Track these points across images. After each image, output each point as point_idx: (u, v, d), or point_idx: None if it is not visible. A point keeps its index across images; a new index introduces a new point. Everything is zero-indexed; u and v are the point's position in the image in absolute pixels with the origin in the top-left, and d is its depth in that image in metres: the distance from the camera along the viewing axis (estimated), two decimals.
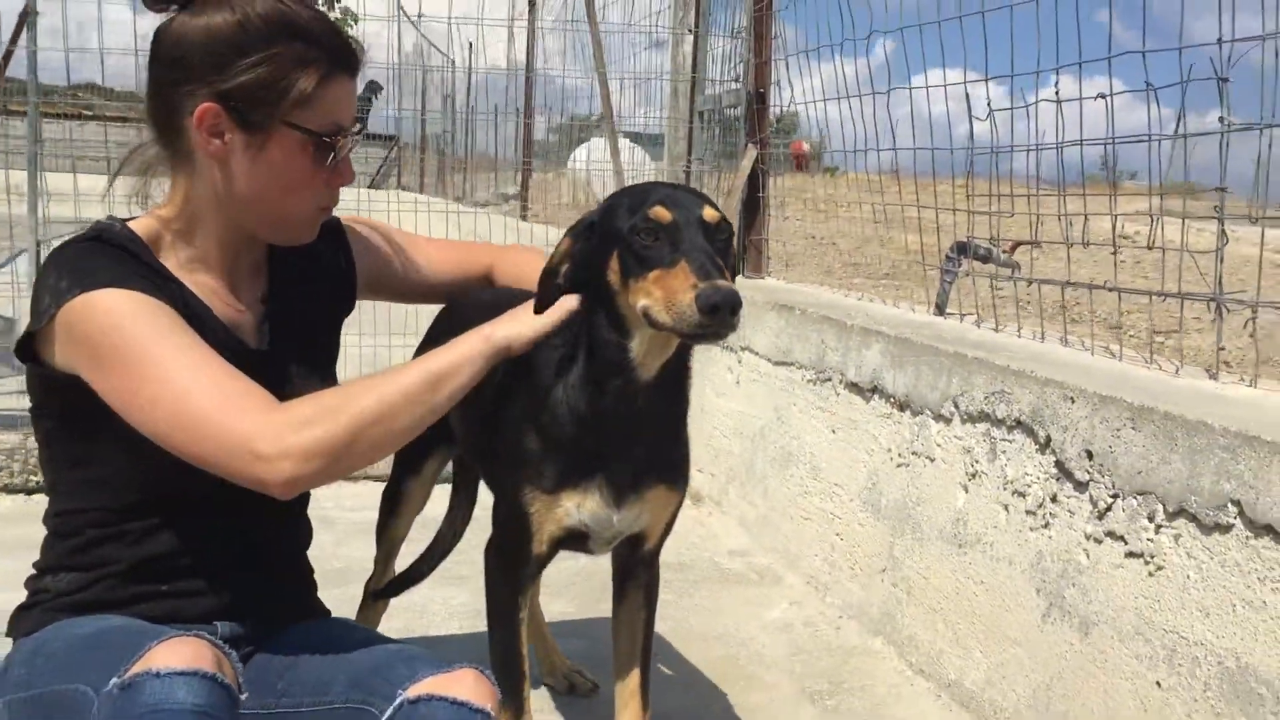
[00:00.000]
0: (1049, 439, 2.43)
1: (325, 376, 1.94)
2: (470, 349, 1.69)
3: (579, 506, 1.87)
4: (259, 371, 1.75)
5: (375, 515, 3.87)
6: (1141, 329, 3.70)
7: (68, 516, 1.78)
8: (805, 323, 3.58)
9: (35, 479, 4.12)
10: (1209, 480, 1.99)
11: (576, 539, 1.94)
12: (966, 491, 2.74)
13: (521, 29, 9.08)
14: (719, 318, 1.54)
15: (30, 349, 1.69)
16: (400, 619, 2.99)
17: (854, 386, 3.28)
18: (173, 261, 1.75)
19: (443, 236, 5.29)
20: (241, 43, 1.68)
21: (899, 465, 3.03)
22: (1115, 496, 2.23)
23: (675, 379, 1.87)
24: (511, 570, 1.97)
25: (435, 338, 2.39)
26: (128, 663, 1.49)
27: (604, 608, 3.29)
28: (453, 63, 10.95)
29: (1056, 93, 2.85)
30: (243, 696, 1.54)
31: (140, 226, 1.76)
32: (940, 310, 3.55)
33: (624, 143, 8.88)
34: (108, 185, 1.89)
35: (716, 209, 1.71)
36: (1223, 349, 2.83)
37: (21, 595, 1.80)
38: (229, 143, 1.69)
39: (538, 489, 1.89)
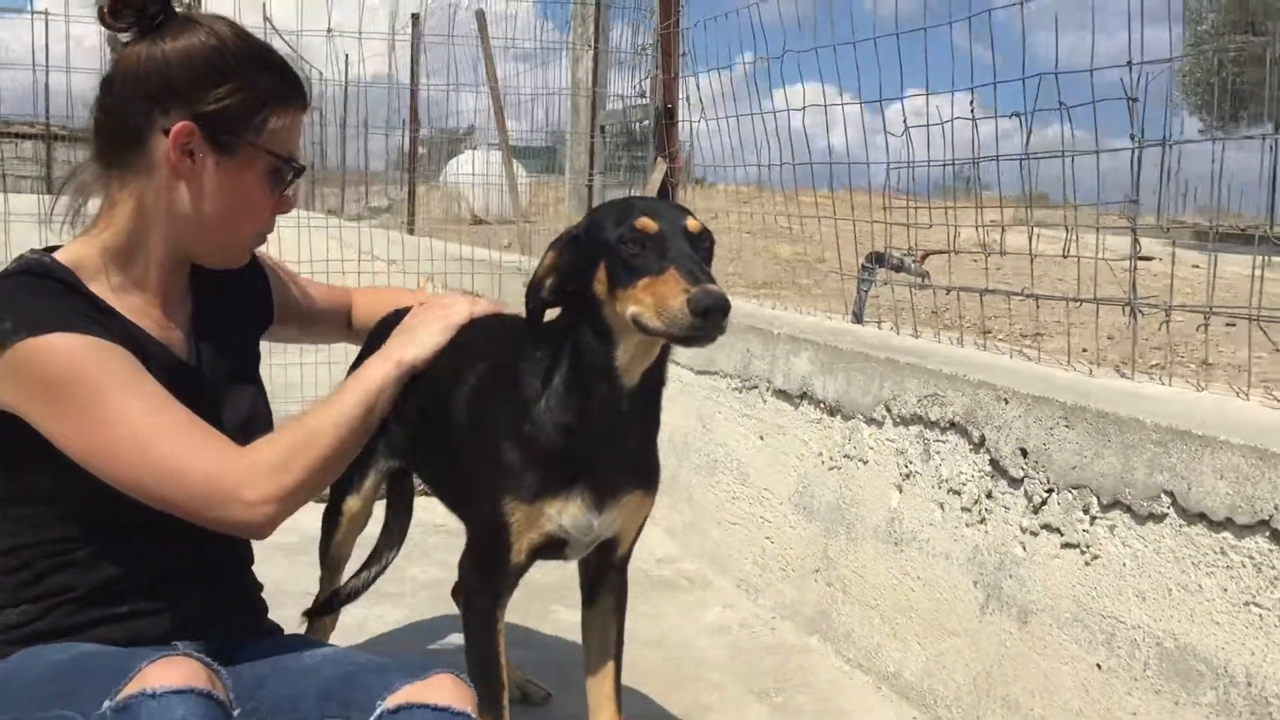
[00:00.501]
0: (983, 438, 2.57)
1: (252, 382, 1.99)
2: (386, 373, 1.88)
3: (560, 513, 1.91)
4: (194, 384, 1.80)
5: (290, 535, 3.83)
6: (1025, 333, 3.92)
7: (12, 554, 1.75)
8: (730, 332, 3.66)
9: None
10: (1142, 473, 2.13)
11: (554, 546, 1.98)
12: (901, 491, 2.86)
13: (402, 42, 9.04)
14: (710, 320, 1.61)
15: None
16: (338, 638, 2.96)
17: (782, 394, 3.39)
18: (103, 287, 1.75)
19: (325, 252, 5.29)
20: (221, 66, 1.73)
21: (831, 468, 3.14)
22: (1050, 491, 2.37)
23: (654, 385, 1.92)
24: (491, 580, 1.99)
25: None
26: (118, 685, 1.48)
27: (546, 615, 3.33)
28: (320, 75, 10.80)
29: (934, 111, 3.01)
30: (236, 713, 1.54)
31: (66, 256, 1.76)
32: (858, 318, 3.69)
33: (496, 155, 8.87)
34: (50, 205, 1.87)
35: (698, 219, 1.77)
36: (1129, 348, 3.01)
37: None
38: (198, 162, 1.73)
39: (518, 500, 1.92)
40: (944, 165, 3.13)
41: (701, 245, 1.75)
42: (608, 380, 1.83)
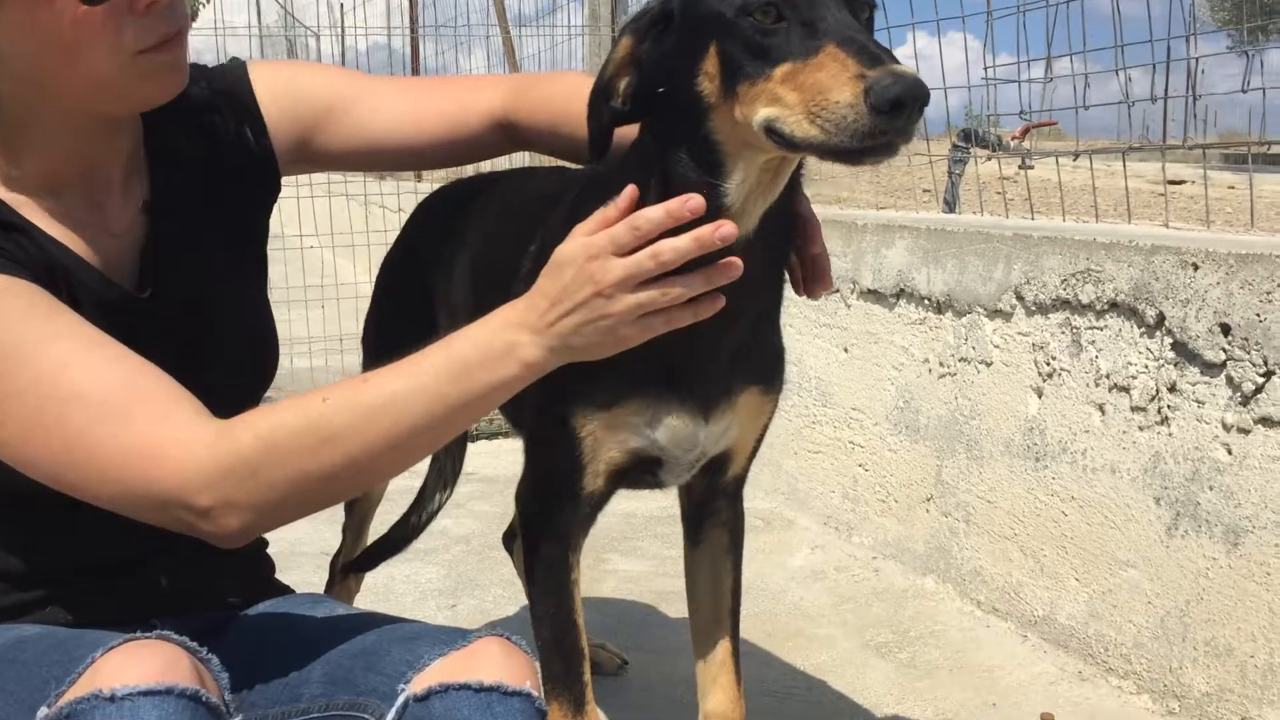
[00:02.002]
0: (1161, 318, 2.03)
1: (244, 297, 1.41)
2: (507, 377, 1.14)
3: (650, 423, 1.38)
4: (144, 321, 1.24)
5: None
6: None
7: None
8: None
9: None
10: None
11: (644, 467, 1.44)
12: (1040, 395, 2.33)
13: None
14: (900, 119, 1.04)
15: None
16: (360, 604, 2.46)
17: (872, 294, 2.85)
18: (5, 192, 1.21)
19: (347, 224, 4.70)
20: None
21: (942, 376, 2.61)
22: (1269, 374, 1.83)
23: (779, 237, 1.37)
24: (557, 516, 1.47)
25: (421, 248, 1.86)
26: (62, 684, 1.00)
27: (603, 570, 2.82)
28: (316, 36, 10.20)
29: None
30: (238, 719, 1.04)
31: None
32: (950, 207, 3.14)
33: None
34: None
35: None
36: None
37: None
38: None
39: (590, 405, 1.38)
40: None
41: (861, 15, 1.19)
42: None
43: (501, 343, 1.14)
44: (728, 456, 1.51)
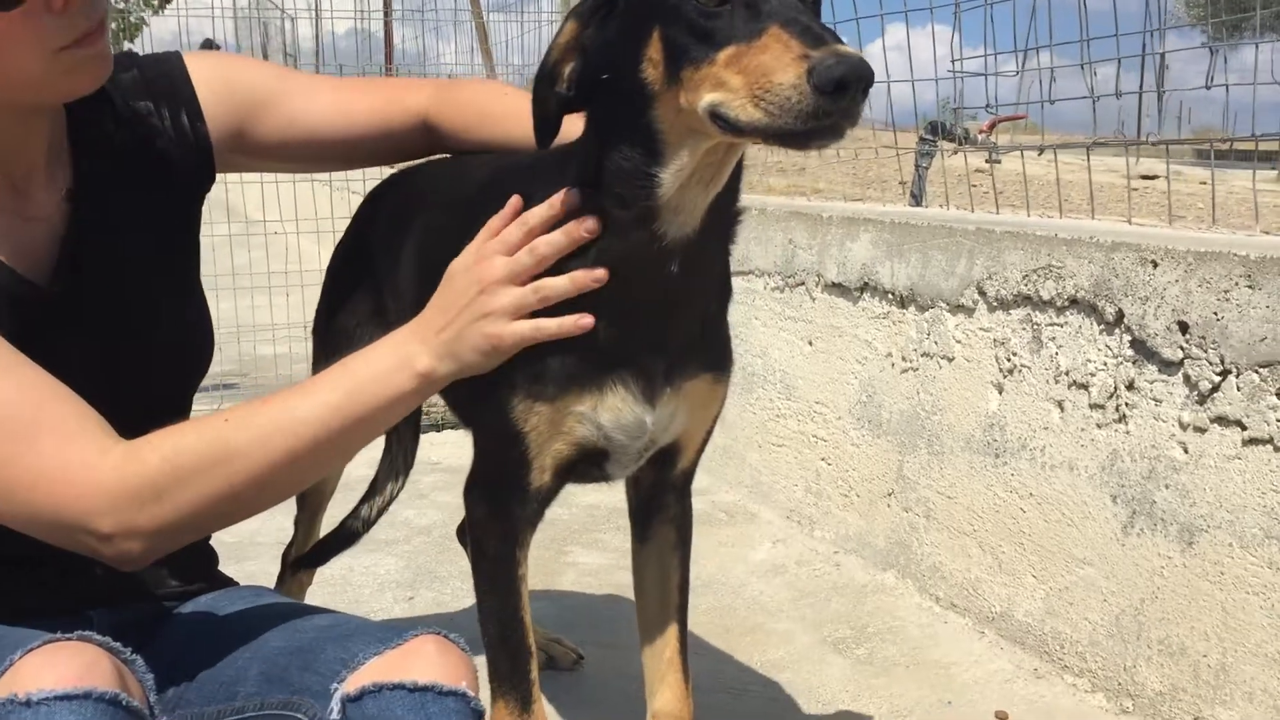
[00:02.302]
0: (1120, 315, 2.02)
1: (176, 291, 1.38)
2: (403, 388, 1.19)
3: (596, 409, 1.35)
4: (60, 320, 1.23)
5: None
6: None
7: None
8: (766, 222, 3.11)
9: None
10: None
11: (592, 459, 1.42)
12: (1001, 392, 2.32)
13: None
14: (844, 100, 1.02)
15: None
16: (316, 595, 2.42)
17: (836, 287, 2.83)
18: None
19: (312, 210, 4.63)
20: None
21: (904, 371, 2.60)
22: (1225, 374, 1.83)
23: (722, 225, 1.35)
24: (504, 513, 1.44)
25: (368, 240, 1.83)
26: None
27: (563, 563, 2.80)
28: (293, 20, 10.08)
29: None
30: None
31: None
32: (917, 200, 3.13)
33: None
34: None
35: None
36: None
37: None
38: None
39: (535, 397, 1.35)
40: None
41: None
42: (654, 220, 1.26)
43: (395, 357, 1.19)
44: (676, 447, 1.49)
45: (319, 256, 4.87)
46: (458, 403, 1.60)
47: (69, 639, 0.99)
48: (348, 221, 1.90)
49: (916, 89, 2.97)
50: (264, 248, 4.77)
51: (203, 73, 1.42)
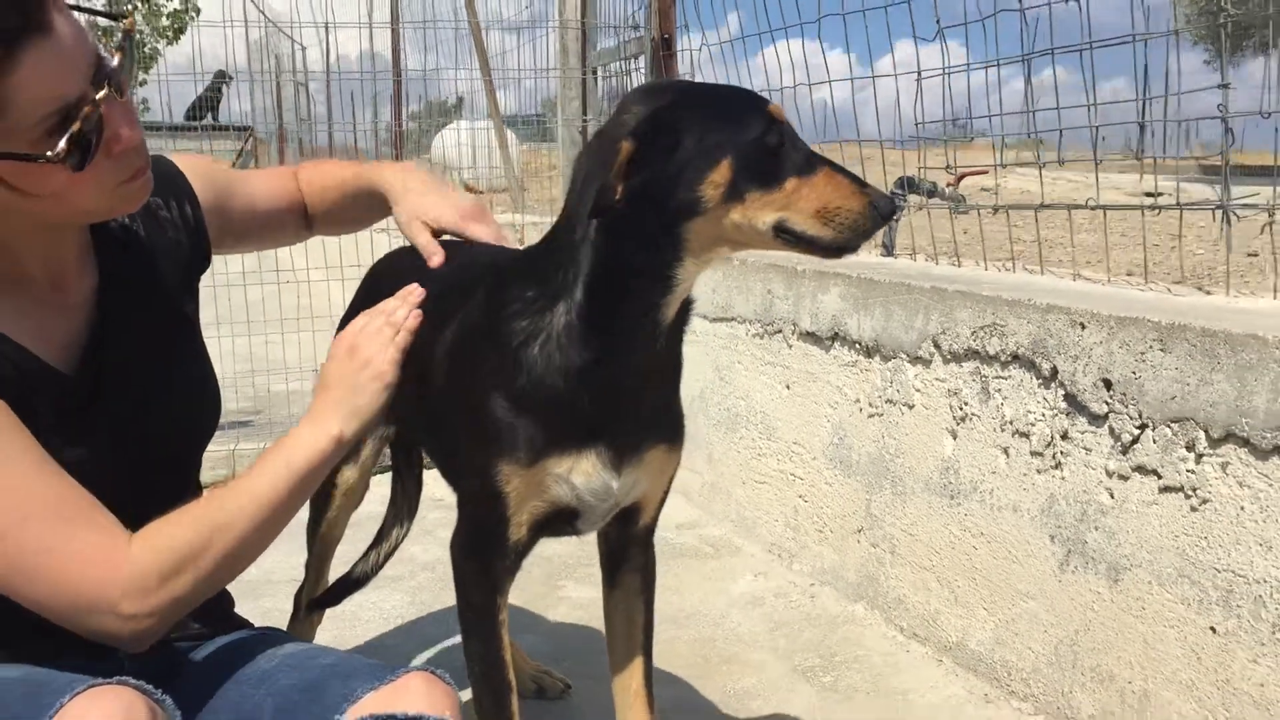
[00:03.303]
0: (1055, 371, 2.21)
1: (181, 364, 1.61)
2: (321, 451, 1.49)
3: (570, 473, 1.56)
4: (90, 406, 1.44)
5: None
6: (1087, 261, 3.56)
7: None
8: (747, 273, 3.32)
9: None
10: (1264, 399, 1.78)
11: (564, 517, 1.63)
12: (955, 438, 2.51)
13: (383, 5, 8.60)
14: (879, 226, 1.42)
15: None
16: (328, 630, 2.63)
17: (810, 336, 3.03)
18: None
19: (326, 259, 4.87)
20: None
21: (871, 416, 2.79)
22: (1143, 427, 2.02)
23: (683, 321, 1.58)
24: (486, 565, 1.65)
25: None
26: None
27: (554, 594, 2.99)
28: (304, 49, 10.34)
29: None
30: None
31: None
32: (889, 250, 3.33)
33: (486, 124, 8.49)
34: None
35: None
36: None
37: None
38: None
39: (513, 463, 1.56)
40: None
41: None
42: (653, 311, 1.50)
43: (312, 432, 1.48)
44: (638, 507, 1.70)
45: (328, 298, 5.11)
46: (445, 469, 1.81)
47: (109, 683, 1.19)
48: (355, 267, 2.14)
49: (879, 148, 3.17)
50: (276, 287, 4.99)
51: (188, 167, 1.69)
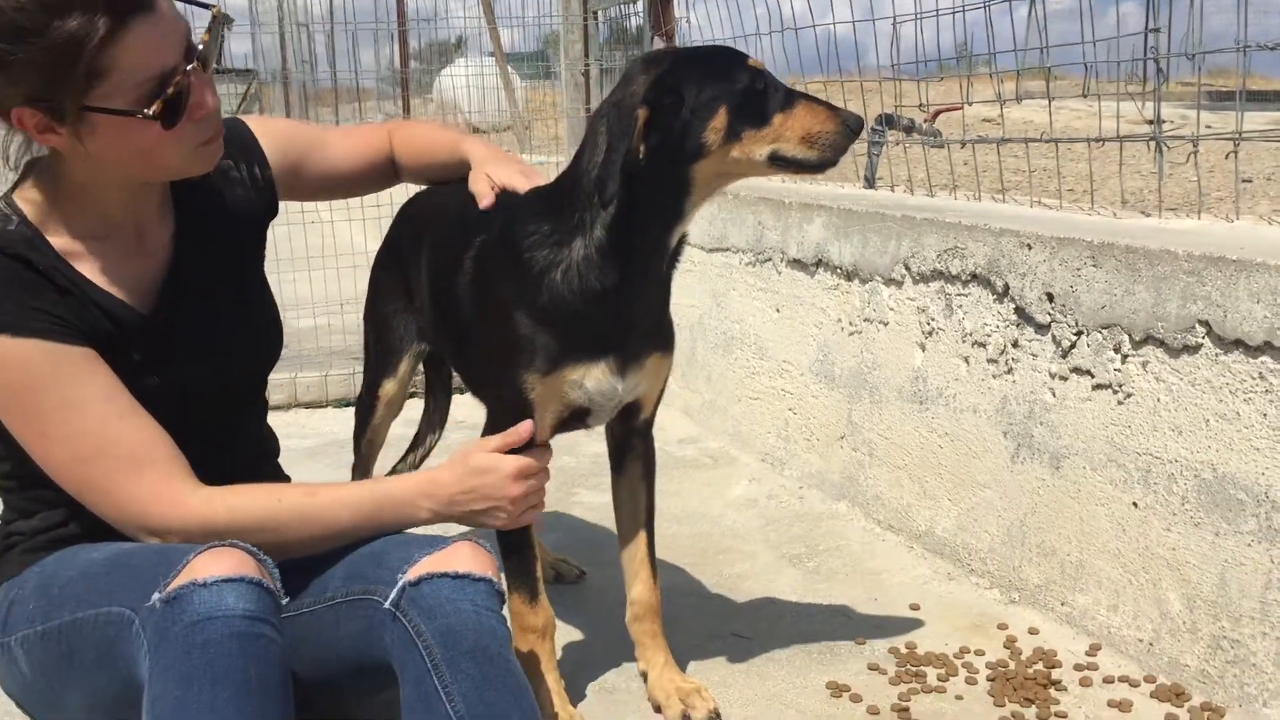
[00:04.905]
0: (1007, 287, 2.51)
1: (248, 302, 1.88)
2: (413, 516, 1.75)
3: (584, 379, 1.87)
4: (168, 340, 1.71)
5: (309, 438, 3.82)
6: (1047, 190, 3.83)
7: (23, 474, 1.70)
8: (740, 206, 3.60)
9: None
10: (1175, 305, 2.08)
11: (578, 416, 1.95)
12: (924, 350, 2.81)
13: None
14: (852, 140, 1.73)
15: None
16: None
17: (797, 263, 3.32)
18: (65, 240, 1.64)
19: (348, 201, 5.16)
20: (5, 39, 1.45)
21: (851, 334, 3.10)
22: (1079, 334, 2.32)
23: (679, 248, 1.90)
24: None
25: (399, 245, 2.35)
26: (165, 578, 1.45)
27: (571, 502, 3.32)
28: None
29: None
30: (285, 601, 1.52)
31: (30, 207, 1.64)
32: (870, 183, 3.60)
33: (487, 64, 8.66)
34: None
35: None
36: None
37: None
38: (63, 134, 1.55)
39: (536, 372, 1.88)
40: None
41: None
42: (663, 239, 1.83)
43: (411, 504, 1.74)
44: (638, 404, 2.01)
45: (351, 238, 5.40)
46: (470, 380, 2.14)
47: (224, 545, 1.49)
48: (376, 207, 2.44)
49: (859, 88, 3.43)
50: (302, 227, 5.28)
51: (261, 131, 1.95)
